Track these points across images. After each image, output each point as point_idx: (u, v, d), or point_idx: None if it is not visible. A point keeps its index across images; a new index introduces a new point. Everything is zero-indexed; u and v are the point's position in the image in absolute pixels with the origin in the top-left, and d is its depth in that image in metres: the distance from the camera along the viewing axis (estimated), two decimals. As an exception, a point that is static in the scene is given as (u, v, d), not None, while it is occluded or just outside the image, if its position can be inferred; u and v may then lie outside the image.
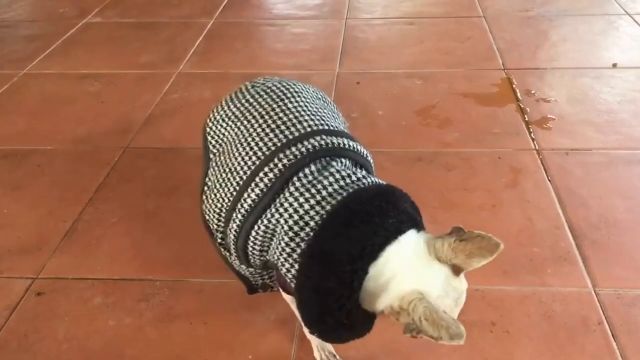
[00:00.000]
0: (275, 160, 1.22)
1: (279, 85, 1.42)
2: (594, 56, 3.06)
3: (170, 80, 2.99)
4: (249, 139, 1.29)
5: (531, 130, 2.46)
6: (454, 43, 3.27)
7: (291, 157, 1.22)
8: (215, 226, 1.35)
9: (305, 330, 1.46)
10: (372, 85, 2.87)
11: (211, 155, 1.40)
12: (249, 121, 1.34)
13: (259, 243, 1.24)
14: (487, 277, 1.73)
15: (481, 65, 3.01)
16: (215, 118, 1.45)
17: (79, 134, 2.58)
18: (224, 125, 1.40)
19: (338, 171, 1.21)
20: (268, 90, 1.41)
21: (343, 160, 1.26)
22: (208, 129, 1.45)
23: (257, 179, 1.22)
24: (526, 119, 2.54)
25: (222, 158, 1.35)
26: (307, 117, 1.32)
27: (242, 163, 1.26)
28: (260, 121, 1.32)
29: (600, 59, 3.03)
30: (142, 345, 1.63)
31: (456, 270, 1.10)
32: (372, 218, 1.10)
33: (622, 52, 3.09)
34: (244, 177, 1.24)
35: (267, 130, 1.29)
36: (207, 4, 3.94)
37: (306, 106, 1.36)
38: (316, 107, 1.38)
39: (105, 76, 3.07)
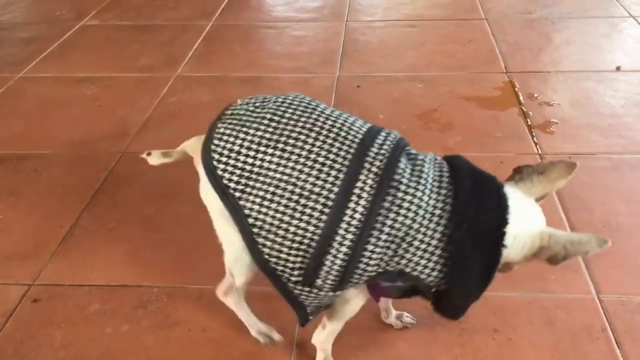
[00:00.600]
0: (366, 165, 1.19)
1: (283, 100, 1.33)
2: (597, 59, 3.07)
3: (168, 83, 3.00)
4: (312, 156, 1.20)
5: (534, 134, 2.47)
6: (455, 46, 3.28)
7: (379, 157, 1.21)
8: (292, 265, 1.24)
9: (319, 337, 1.49)
10: (372, 89, 2.88)
11: (238, 194, 1.24)
12: (297, 139, 1.23)
13: (375, 257, 1.19)
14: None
15: (483, 69, 3.02)
16: (230, 150, 1.26)
17: (76, 138, 2.59)
18: (254, 153, 1.24)
19: (419, 157, 1.27)
20: (285, 106, 1.30)
21: (407, 147, 1.30)
22: (221, 166, 1.25)
23: (355, 191, 1.17)
24: (529, 122, 2.55)
25: (267, 189, 1.21)
26: (348, 118, 1.29)
27: (320, 182, 1.19)
28: (313, 135, 1.23)
29: (604, 62, 3.04)
30: (140, 353, 1.63)
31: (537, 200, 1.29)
32: (485, 185, 1.22)
33: (626, 55, 3.10)
34: (333, 196, 1.18)
35: (329, 140, 1.22)
36: (206, 6, 3.95)
37: (331, 110, 1.32)
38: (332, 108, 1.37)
39: (103, 79, 3.08)
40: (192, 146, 1.41)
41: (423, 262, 1.20)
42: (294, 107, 1.29)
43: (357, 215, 1.17)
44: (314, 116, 1.27)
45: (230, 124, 1.29)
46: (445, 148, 2.40)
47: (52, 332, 1.69)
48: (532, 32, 3.40)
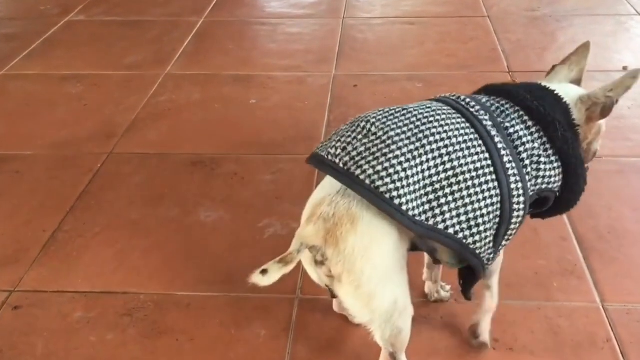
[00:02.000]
0: (483, 122, 1.33)
1: (366, 117, 1.35)
2: (603, 59, 3.08)
3: (157, 82, 3.00)
4: (453, 141, 1.28)
5: (537, 136, 2.48)
6: (456, 44, 3.29)
7: (480, 111, 1.35)
8: (489, 241, 1.31)
9: (491, 301, 1.58)
10: (370, 89, 2.89)
11: (428, 216, 1.24)
12: (428, 136, 1.27)
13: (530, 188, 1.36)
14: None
15: (485, 68, 3.03)
16: (398, 180, 1.22)
17: (60, 138, 2.59)
18: (415, 170, 1.24)
19: (481, 100, 1.41)
20: (380, 119, 1.32)
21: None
22: (404, 200, 1.22)
23: (499, 145, 1.30)
24: (532, 124, 2.56)
25: (446, 193, 1.25)
26: (418, 106, 1.38)
27: (475, 157, 1.28)
28: (435, 125, 1.30)
29: (610, 62, 3.05)
30: (125, 362, 1.63)
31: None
32: (535, 89, 1.43)
33: (633, 54, 3.12)
34: (489, 161, 1.29)
35: (443, 122, 1.31)
36: (197, 1, 3.96)
37: (406, 107, 1.40)
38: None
39: (89, 77, 3.07)
40: (312, 233, 1.26)
41: (549, 173, 1.37)
42: (392, 118, 1.32)
43: (513, 164, 1.31)
44: (414, 113, 1.33)
45: (369, 161, 1.24)
46: (445, 150, 2.41)
47: (34, 341, 1.69)
48: (536, 31, 3.42)
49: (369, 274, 1.25)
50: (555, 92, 1.42)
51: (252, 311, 1.74)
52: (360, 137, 1.28)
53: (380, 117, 1.32)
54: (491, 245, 1.32)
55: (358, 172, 1.22)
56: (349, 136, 1.29)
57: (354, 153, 1.25)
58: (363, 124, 1.30)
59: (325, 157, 1.28)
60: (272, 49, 3.34)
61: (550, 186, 1.38)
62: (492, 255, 1.34)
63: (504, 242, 1.35)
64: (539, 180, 1.36)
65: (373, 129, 1.28)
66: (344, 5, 3.83)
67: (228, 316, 1.73)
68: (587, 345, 1.62)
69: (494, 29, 3.43)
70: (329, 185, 1.30)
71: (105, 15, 3.83)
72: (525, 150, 1.33)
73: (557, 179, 1.39)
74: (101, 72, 3.13)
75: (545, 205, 1.44)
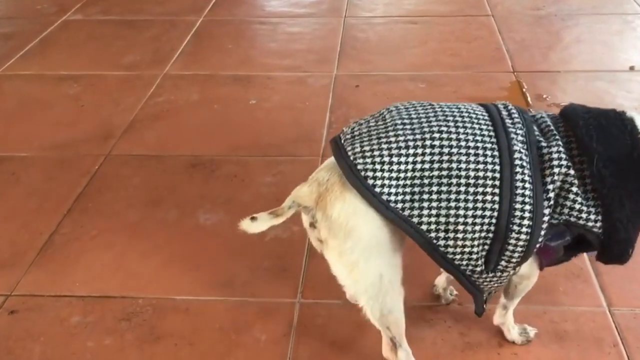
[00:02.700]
0: (512, 135, 1.29)
1: (395, 108, 1.39)
2: (609, 58, 3.09)
3: (155, 82, 3.00)
4: (462, 144, 1.27)
5: (542, 137, 2.48)
6: (460, 44, 3.30)
7: (517, 125, 1.32)
8: (476, 255, 1.30)
9: (503, 318, 1.60)
10: (372, 89, 2.89)
11: (400, 205, 1.26)
12: (439, 132, 1.28)
13: (547, 214, 1.29)
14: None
15: (489, 68, 3.04)
16: (381, 164, 1.26)
17: (57, 139, 2.59)
18: (405, 159, 1.27)
19: (537, 116, 1.39)
20: (404, 110, 1.36)
21: (523, 109, 1.40)
22: (379, 182, 1.26)
23: (516, 162, 1.27)
24: (537, 125, 2.56)
25: (431, 190, 1.26)
26: (455, 104, 1.38)
27: (481, 166, 1.26)
28: (451, 124, 1.30)
29: (617, 61, 3.06)
30: (123, 368, 1.63)
31: None
32: (604, 116, 1.38)
33: (640, 54, 3.13)
34: (498, 174, 1.26)
35: (466, 124, 1.30)
36: (196, 0, 3.96)
37: (435, 103, 1.40)
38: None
39: (86, 78, 3.08)
40: (305, 194, 1.34)
41: (579, 206, 1.29)
42: (410, 109, 1.35)
43: (527, 185, 1.27)
44: (435, 109, 1.34)
45: (362, 142, 1.31)
46: (449, 152, 2.41)
47: (30, 346, 1.69)
48: (541, 30, 3.42)
49: (351, 243, 1.30)
50: (628, 126, 1.32)
51: (252, 315, 1.74)
52: (373, 121, 1.35)
53: (403, 107, 1.37)
54: (477, 259, 1.30)
55: (349, 148, 1.30)
56: (366, 120, 1.37)
57: (357, 132, 1.33)
58: (384, 111, 1.37)
59: (339, 134, 1.37)
60: (272, 48, 3.35)
61: (581, 222, 1.30)
62: (481, 269, 1.32)
63: (502, 263, 1.32)
64: (565, 210, 1.30)
65: (387, 116, 1.35)
66: (346, 4, 3.84)
67: (228, 321, 1.73)
68: (593, 350, 1.62)
69: (498, 28, 3.43)
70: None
71: (103, 15, 3.84)
72: (552, 174, 1.28)
73: (591, 217, 1.30)
74: (98, 72, 3.13)
75: (589, 246, 1.37)
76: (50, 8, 3.94)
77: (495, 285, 1.40)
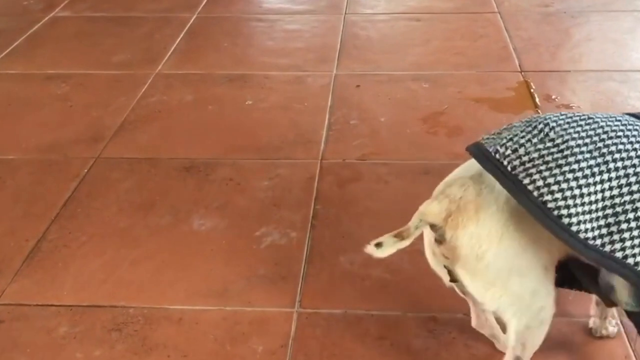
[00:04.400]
0: None
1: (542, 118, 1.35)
2: (621, 57, 3.09)
3: (147, 82, 3.01)
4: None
5: (551, 140, 2.48)
6: (465, 42, 3.31)
7: None
8: None
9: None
10: (373, 89, 2.90)
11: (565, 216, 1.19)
12: (613, 146, 1.25)
13: None
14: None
15: (495, 67, 3.04)
16: (547, 170, 1.23)
17: (45, 141, 2.59)
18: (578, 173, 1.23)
19: None
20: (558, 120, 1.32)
21: None
22: (552, 198, 1.20)
23: None
24: (545, 127, 2.56)
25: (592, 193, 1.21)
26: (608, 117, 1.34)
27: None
28: (624, 140, 1.25)
29: (628, 61, 3.06)
30: (114, 380, 1.64)
31: None
32: None
33: (653, 53, 3.13)
34: None
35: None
36: (190, -4, 3.98)
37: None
38: None
39: (75, 77, 3.08)
40: (435, 212, 1.29)
41: None
42: (573, 125, 1.28)
43: None
44: (598, 123, 1.27)
45: (540, 171, 1.22)
46: (453, 154, 2.42)
47: (17, 357, 1.69)
48: (549, 27, 3.43)
49: (485, 264, 1.27)
50: None
51: (248, 326, 1.74)
52: (535, 140, 1.27)
53: (561, 122, 1.29)
54: None
55: (526, 180, 1.21)
56: (523, 137, 1.29)
57: (525, 158, 1.24)
58: (541, 126, 1.29)
59: (492, 153, 1.28)
60: (269, 46, 3.35)
61: None
62: None
63: None
64: None
65: (551, 134, 1.26)
66: (346, 1, 3.84)
67: (223, 331, 1.74)
68: (604, 362, 1.63)
69: (505, 26, 3.44)
70: (464, 168, 1.34)
71: (92, 11, 3.84)
72: None
73: None
74: (88, 71, 3.14)
75: None
76: (38, 4, 3.95)
77: None
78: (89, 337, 1.74)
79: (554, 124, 1.28)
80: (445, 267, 1.37)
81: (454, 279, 1.38)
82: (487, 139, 1.34)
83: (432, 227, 1.30)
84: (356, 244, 2.00)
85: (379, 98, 2.83)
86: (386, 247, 1.29)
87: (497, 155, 1.27)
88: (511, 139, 1.29)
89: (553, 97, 2.78)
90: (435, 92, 2.85)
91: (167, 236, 2.08)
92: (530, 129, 1.30)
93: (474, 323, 1.63)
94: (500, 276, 1.30)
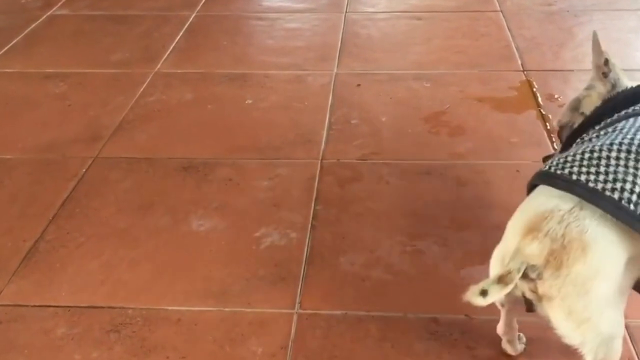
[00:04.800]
0: None
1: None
2: (625, 57, 3.09)
3: (146, 80, 3.01)
4: None
5: (554, 140, 2.48)
6: (467, 41, 3.31)
7: None
8: None
9: None
10: (374, 88, 2.90)
11: None
12: None
13: None
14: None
15: (498, 66, 3.04)
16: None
17: (43, 141, 2.60)
18: None
19: None
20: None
21: None
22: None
23: None
24: (548, 127, 2.57)
25: None
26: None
27: None
28: None
29: (632, 60, 3.06)
30: (112, 382, 1.64)
31: None
32: None
33: (657, 52, 3.13)
34: None
35: None
36: (189, -6, 3.98)
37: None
38: None
39: (73, 76, 3.09)
40: (536, 253, 1.26)
41: None
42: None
43: None
44: None
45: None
46: (455, 154, 2.42)
47: (14, 359, 1.69)
48: (552, 26, 3.43)
49: (586, 303, 1.25)
50: None
51: (248, 327, 1.74)
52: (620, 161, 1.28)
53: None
54: None
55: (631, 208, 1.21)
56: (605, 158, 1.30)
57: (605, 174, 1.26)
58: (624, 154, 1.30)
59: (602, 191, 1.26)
60: (269, 45, 3.36)
61: None
62: None
63: None
64: None
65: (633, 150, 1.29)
66: (347, -1, 3.85)
67: (222, 332, 1.74)
68: (607, 364, 1.62)
69: (507, 25, 3.44)
70: (557, 198, 1.28)
71: (91, 9, 3.84)
72: None
73: None
74: (86, 70, 3.14)
75: None
76: (35, 2, 3.95)
77: None
78: (87, 338, 1.74)
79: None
80: (524, 296, 1.34)
81: (531, 309, 1.36)
82: (565, 167, 1.33)
83: (531, 267, 1.26)
84: (357, 245, 2.01)
85: (380, 97, 2.83)
86: (492, 295, 1.25)
87: (584, 181, 1.26)
88: (587, 160, 1.29)
89: (556, 96, 2.78)
90: (437, 92, 2.85)
91: (165, 237, 2.08)
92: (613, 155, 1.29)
93: (500, 330, 1.62)
94: (596, 312, 1.27)
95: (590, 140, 1.45)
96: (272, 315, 1.78)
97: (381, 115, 2.69)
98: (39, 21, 3.68)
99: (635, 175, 1.25)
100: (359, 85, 2.92)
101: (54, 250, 2.04)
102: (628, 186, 1.23)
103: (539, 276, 1.25)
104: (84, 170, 2.41)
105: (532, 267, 1.25)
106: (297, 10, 3.73)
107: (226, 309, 1.81)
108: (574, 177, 1.28)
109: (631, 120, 1.43)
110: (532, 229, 1.26)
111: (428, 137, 2.54)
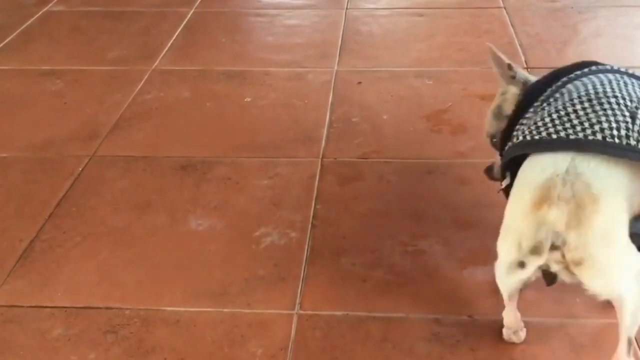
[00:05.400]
0: None
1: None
2: (630, 54, 3.09)
3: (143, 78, 3.01)
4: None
5: (558, 138, 2.49)
6: (469, 38, 3.31)
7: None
8: None
9: None
10: (375, 86, 2.90)
11: None
12: None
13: None
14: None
15: (501, 64, 3.04)
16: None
17: (38, 139, 2.60)
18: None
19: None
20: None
21: None
22: None
23: None
24: (552, 125, 2.57)
25: None
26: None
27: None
28: None
29: (638, 57, 3.07)
30: (109, 383, 1.64)
31: None
32: None
33: (663, 49, 3.14)
34: None
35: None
36: (187, -10, 3.98)
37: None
38: None
39: (69, 73, 3.09)
40: (558, 218, 1.29)
41: None
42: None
43: None
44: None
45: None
46: (457, 153, 2.42)
47: (9, 360, 1.70)
48: (556, 23, 3.43)
49: (614, 255, 1.31)
50: None
51: (247, 328, 1.75)
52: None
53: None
54: None
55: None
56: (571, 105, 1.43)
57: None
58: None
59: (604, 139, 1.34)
60: (269, 42, 3.36)
61: None
62: None
63: None
64: None
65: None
66: (347, -5, 3.85)
67: (221, 333, 1.74)
68: (612, 365, 1.63)
69: (511, 22, 3.44)
70: (550, 166, 1.34)
71: (87, 6, 3.84)
72: None
73: None
74: (83, 67, 3.14)
75: None
76: (31, -2, 3.96)
77: None
78: (83, 339, 1.74)
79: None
80: (545, 273, 1.38)
81: (552, 282, 1.40)
82: (550, 130, 1.40)
83: (555, 234, 1.30)
84: (358, 245, 2.01)
85: (381, 95, 2.83)
86: (530, 266, 1.33)
87: (591, 137, 1.34)
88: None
89: (560, 94, 2.78)
90: (439, 89, 2.86)
91: (163, 236, 2.08)
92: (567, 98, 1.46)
93: (510, 323, 1.65)
94: (626, 258, 1.32)
95: (536, 112, 1.53)
96: (271, 316, 1.78)
97: (382, 113, 2.69)
98: (34, 18, 3.68)
99: (607, 116, 1.36)
100: (359, 82, 2.93)
101: (50, 249, 2.05)
102: (605, 125, 1.34)
103: (563, 242, 1.29)
104: (81, 168, 2.41)
105: (556, 234, 1.29)
106: (297, 6, 3.73)
107: (225, 310, 1.81)
108: (554, 136, 1.36)
109: (569, 85, 1.53)
110: (543, 201, 1.30)
111: (430, 136, 2.55)
